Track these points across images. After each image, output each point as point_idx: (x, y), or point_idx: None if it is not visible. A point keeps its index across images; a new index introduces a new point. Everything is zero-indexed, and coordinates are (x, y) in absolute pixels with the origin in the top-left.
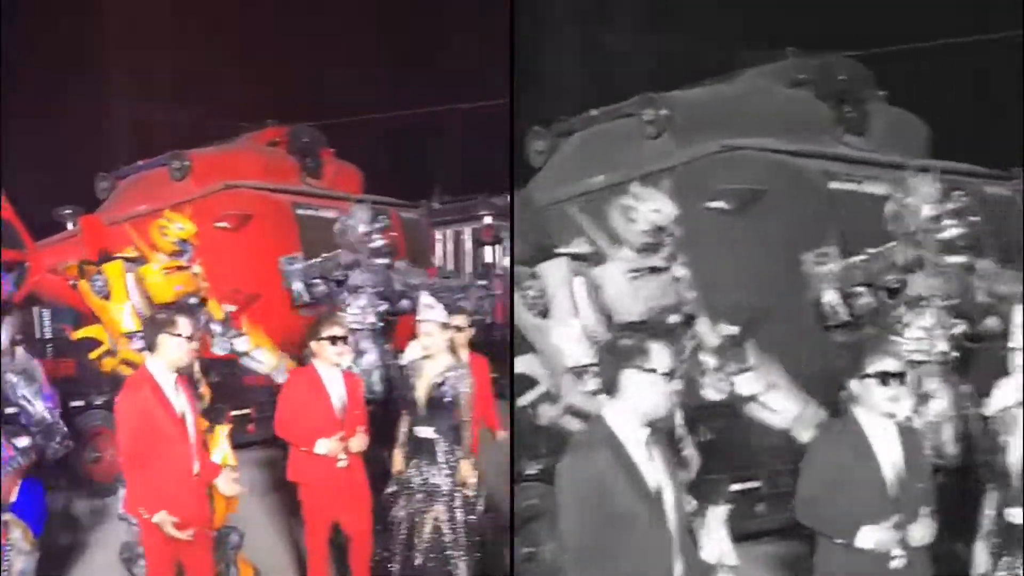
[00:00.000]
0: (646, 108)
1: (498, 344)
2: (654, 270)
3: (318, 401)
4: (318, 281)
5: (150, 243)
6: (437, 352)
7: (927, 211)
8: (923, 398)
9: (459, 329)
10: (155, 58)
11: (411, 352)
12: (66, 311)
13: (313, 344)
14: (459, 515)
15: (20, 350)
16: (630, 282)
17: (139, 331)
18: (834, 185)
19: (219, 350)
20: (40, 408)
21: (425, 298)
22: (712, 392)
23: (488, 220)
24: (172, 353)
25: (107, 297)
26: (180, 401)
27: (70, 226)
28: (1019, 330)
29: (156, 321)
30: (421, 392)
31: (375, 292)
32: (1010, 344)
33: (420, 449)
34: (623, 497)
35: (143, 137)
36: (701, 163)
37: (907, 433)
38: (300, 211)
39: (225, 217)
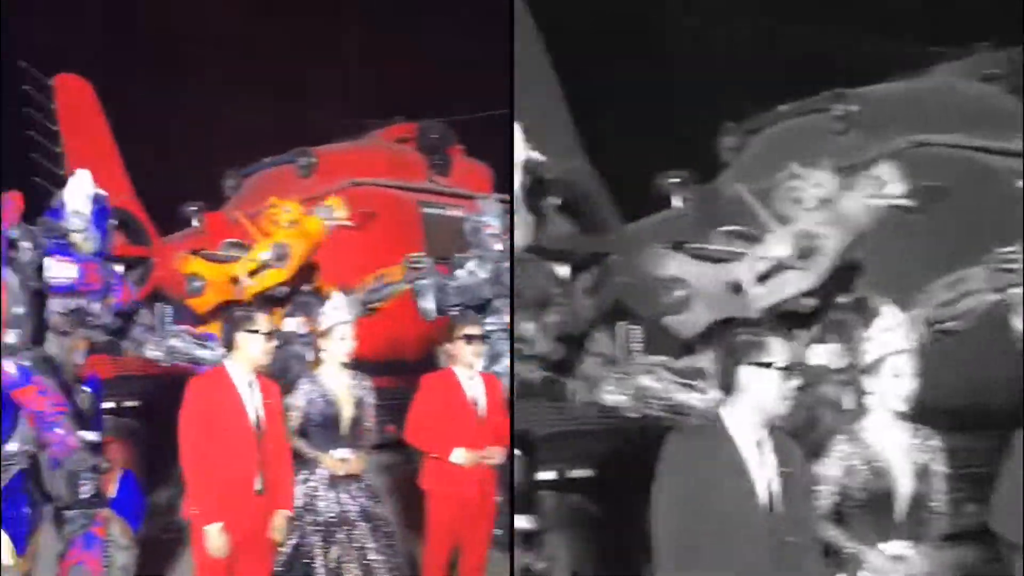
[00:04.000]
0: (835, 104)
1: None
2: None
3: (457, 406)
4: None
5: (264, 232)
6: None
7: None
8: None
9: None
10: (280, 55)
11: None
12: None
13: (448, 346)
14: None
15: None
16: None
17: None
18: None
19: None
20: None
21: None
22: None
23: None
24: (251, 351)
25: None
26: (254, 404)
27: (195, 223)
28: None
29: (234, 319)
30: None
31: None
32: None
33: None
34: (729, 502)
35: (269, 135)
36: (888, 159)
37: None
38: (426, 209)
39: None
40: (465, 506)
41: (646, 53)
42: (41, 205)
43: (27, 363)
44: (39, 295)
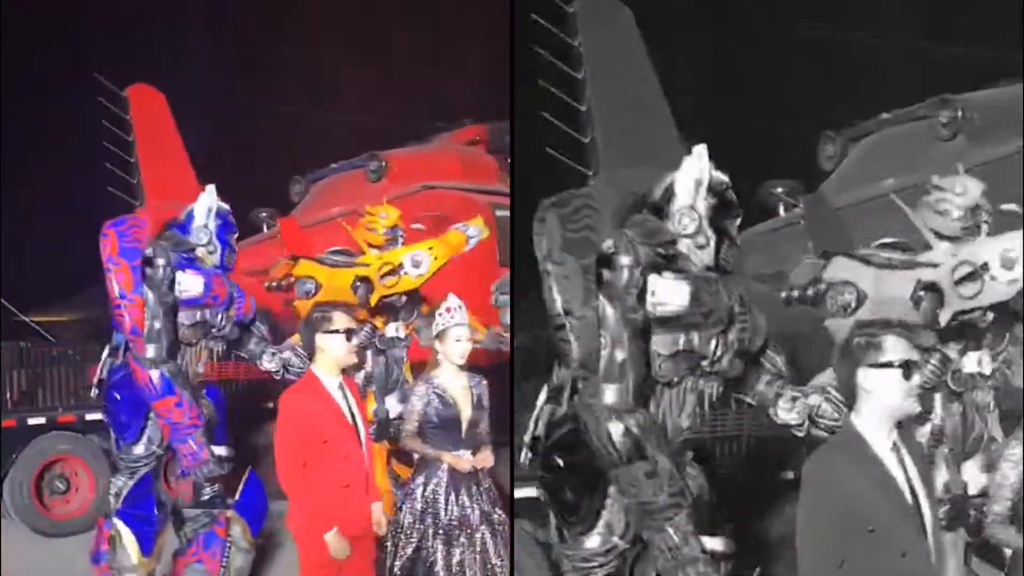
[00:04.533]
0: (941, 110)
1: None
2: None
3: None
4: None
5: (359, 245)
6: None
7: None
8: None
9: None
10: (343, 59)
11: None
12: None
13: None
14: None
15: None
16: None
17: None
18: None
19: (423, 342)
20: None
21: None
22: None
23: None
24: (334, 351)
25: (317, 291)
26: (348, 404)
27: (265, 228)
28: None
29: (312, 320)
30: None
31: None
32: None
33: None
34: (875, 509)
35: (335, 140)
36: (997, 165)
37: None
38: (500, 212)
39: (421, 219)
40: None
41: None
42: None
43: (168, 375)
44: (173, 309)
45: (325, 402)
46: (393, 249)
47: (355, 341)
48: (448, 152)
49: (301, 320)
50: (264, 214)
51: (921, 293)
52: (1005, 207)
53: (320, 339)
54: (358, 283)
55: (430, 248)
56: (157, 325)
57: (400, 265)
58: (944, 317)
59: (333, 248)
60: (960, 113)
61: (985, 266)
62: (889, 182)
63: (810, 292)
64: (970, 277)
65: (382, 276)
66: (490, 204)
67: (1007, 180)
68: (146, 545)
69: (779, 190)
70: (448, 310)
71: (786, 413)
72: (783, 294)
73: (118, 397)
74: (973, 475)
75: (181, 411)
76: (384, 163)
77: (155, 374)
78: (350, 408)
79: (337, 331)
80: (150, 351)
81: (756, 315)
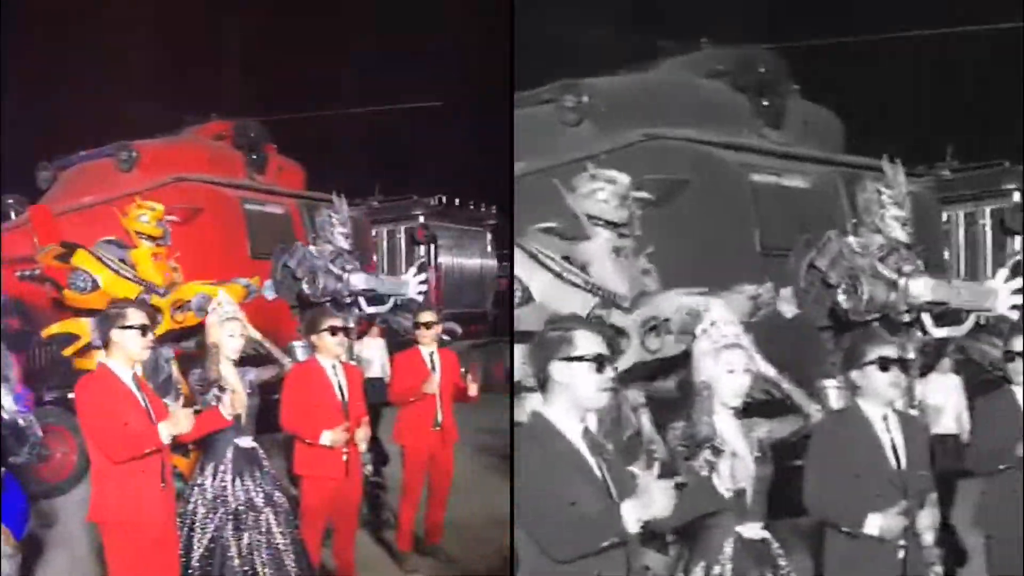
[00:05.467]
0: (566, 94)
1: None
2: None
3: (322, 394)
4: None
5: (130, 231)
6: None
7: (891, 201)
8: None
9: (428, 326)
10: (94, 46)
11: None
12: (11, 304)
13: (314, 338)
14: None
15: None
16: (614, 260)
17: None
18: (756, 177)
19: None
20: (11, 408)
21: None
22: None
23: (422, 219)
24: (129, 346)
25: (95, 289)
26: (142, 396)
27: (13, 216)
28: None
29: (108, 316)
30: None
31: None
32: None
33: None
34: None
35: (82, 127)
36: (623, 152)
37: (908, 421)
38: (248, 206)
39: (174, 210)
40: (335, 488)
41: None
42: None
43: None
44: None
45: (121, 393)
46: (183, 286)
47: (150, 336)
48: (197, 145)
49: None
50: (10, 200)
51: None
52: (636, 194)
53: (116, 334)
54: (148, 306)
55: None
56: None
57: (189, 301)
58: (624, 364)
59: (106, 239)
60: (585, 98)
61: (668, 320)
62: (520, 165)
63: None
64: (654, 330)
65: (175, 309)
66: (239, 198)
67: (632, 168)
68: None
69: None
70: (220, 305)
71: None
72: None
73: None
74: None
75: None
76: (135, 153)
77: None
78: (145, 402)
79: (132, 327)
80: None
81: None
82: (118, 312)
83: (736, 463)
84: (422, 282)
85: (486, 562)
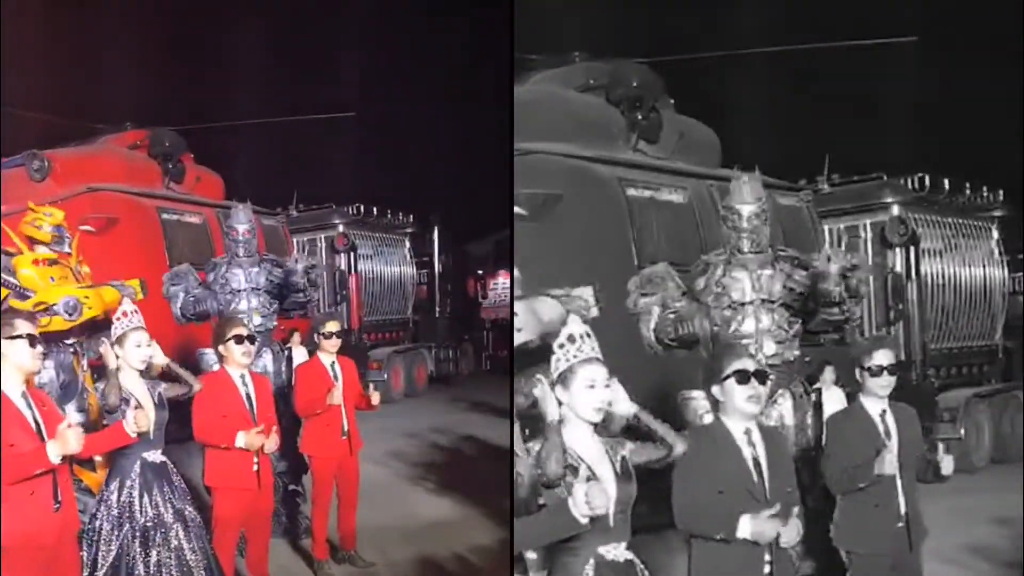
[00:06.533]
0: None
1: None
2: None
3: (231, 404)
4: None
5: (25, 239)
6: None
7: (748, 212)
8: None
9: (329, 336)
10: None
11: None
12: None
13: (221, 348)
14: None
15: None
16: None
17: None
18: (632, 192)
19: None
20: None
21: None
22: None
23: (341, 228)
24: (17, 358)
25: None
26: (32, 414)
27: None
28: None
29: None
30: None
31: (267, 292)
32: None
33: None
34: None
35: None
36: None
37: (770, 434)
38: (165, 216)
39: (89, 220)
40: (246, 498)
41: None
42: None
43: None
44: None
45: (8, 414)
46: (48, 289)
47: (39, 348)
48: (112, 154)
49: None
50: None
51: None
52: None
53: (4, 345)
54: (8, 308)
55: (86, 297)
56: None
57: (54, 304)
58: None
59: None
60: None
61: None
62: None
63: None
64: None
65: (36, 313)
66: (156, 207)
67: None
68: None
69: None
70: (125, 314)
71: None
72: None
73: None
74: None
75: None
76: (47, 163)
77: None
78: (35, 418)
79: (20, 336)
80: None
81: None
82: (5, 322)
83: (593, 488)
84: (310, 267)
85: (402, 568)
